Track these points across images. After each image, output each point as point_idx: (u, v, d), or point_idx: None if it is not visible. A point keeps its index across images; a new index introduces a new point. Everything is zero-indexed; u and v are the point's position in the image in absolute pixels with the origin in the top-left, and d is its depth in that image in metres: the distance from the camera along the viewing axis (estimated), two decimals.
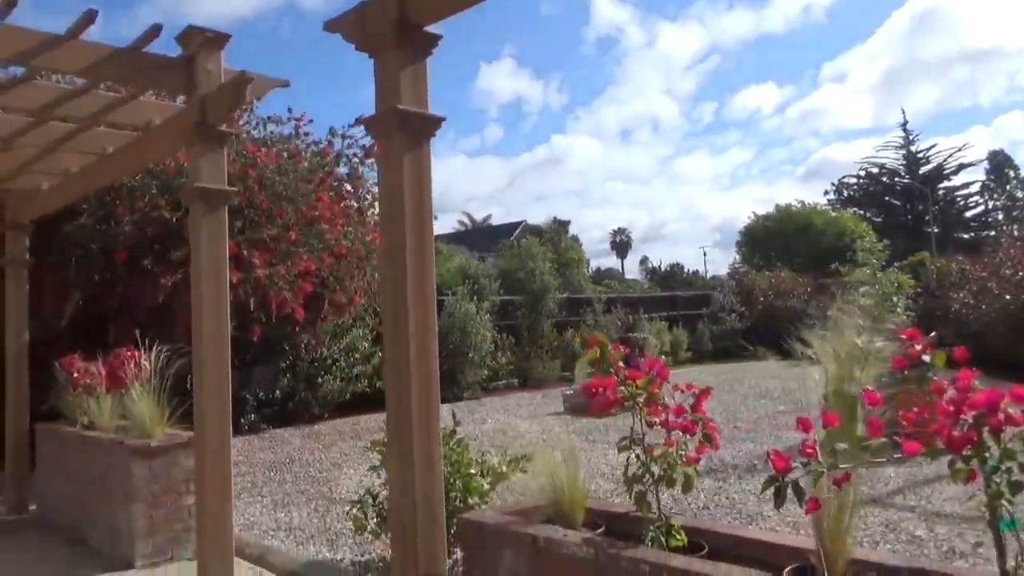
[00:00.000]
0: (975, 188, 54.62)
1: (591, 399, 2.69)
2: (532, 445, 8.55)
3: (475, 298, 13.72)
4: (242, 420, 10.13)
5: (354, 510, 4.64)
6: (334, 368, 11.26)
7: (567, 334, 16.02)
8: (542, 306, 15.32)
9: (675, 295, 22.45)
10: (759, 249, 43.21)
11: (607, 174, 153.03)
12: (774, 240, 42.09)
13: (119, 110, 4.28)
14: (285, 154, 8.26)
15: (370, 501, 4.62)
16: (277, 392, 10.86)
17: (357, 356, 11.55)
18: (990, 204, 55.52)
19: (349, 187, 9.10)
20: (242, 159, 7.24)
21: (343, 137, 9.15)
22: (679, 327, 18.94)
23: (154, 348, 5.37)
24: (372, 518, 4.63)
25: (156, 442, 4.80)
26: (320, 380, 11.07)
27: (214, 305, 3.72)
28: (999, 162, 56.32)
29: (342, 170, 9.31)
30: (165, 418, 5.11)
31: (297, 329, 9.57)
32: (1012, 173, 56.13)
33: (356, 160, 9.36)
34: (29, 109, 4.09)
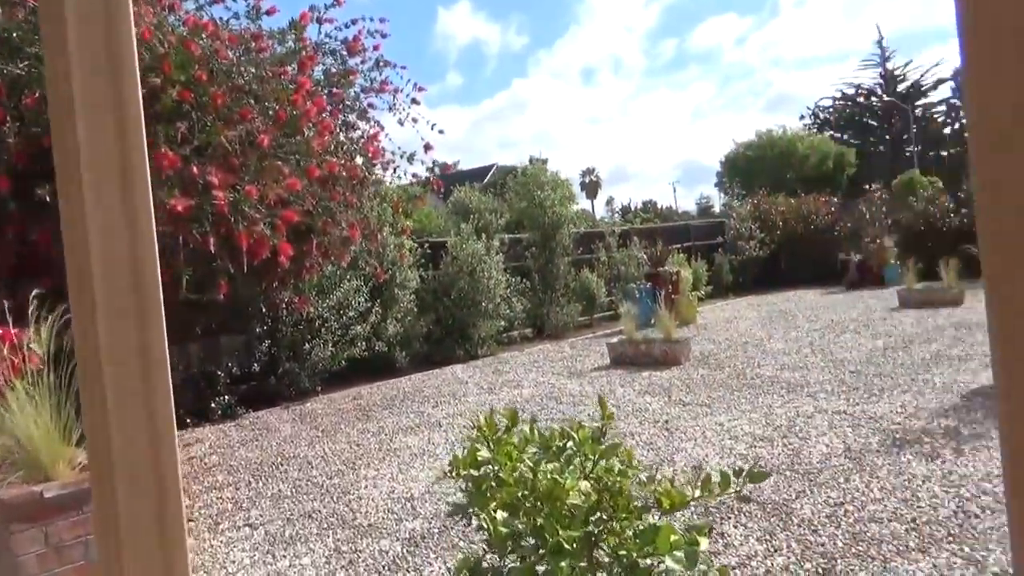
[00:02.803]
0: (944, 107, 53.18)
1: None
2: (621, 418, 6.50)
3: (482, 236, 11.52)
4: (212, 404, 7.97)
5: None
6: (323, 331, 9.08)
7: (583, 274, 13.93)
8: (555, 243, 13.18)
9: (688, 224, 20.46)
10: (741, 178, 41.56)
11: (570, 117, 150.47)
12: (756, 168, 40.53)
13: None
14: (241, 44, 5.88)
15: None
16: (255, 365, 8.68)
17: (351, 314, 9.35)
18: (957, 124, 53.91)
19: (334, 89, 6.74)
20: (177, 30, 4.91)
21: (319, 22, 6.77)
22: (696, 259, 16.95)
23: (50, 319, 3.16)
24: None
25: (54, 489, 2.63)
26: (307, 346, 8.89)
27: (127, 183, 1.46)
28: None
29: (319, 71, 6.95)
30: (72, 438, 2.94)
31: (277, 284, 7.35)
32: None
33: (338, 57, 6.99)
34: None
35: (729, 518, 3.68)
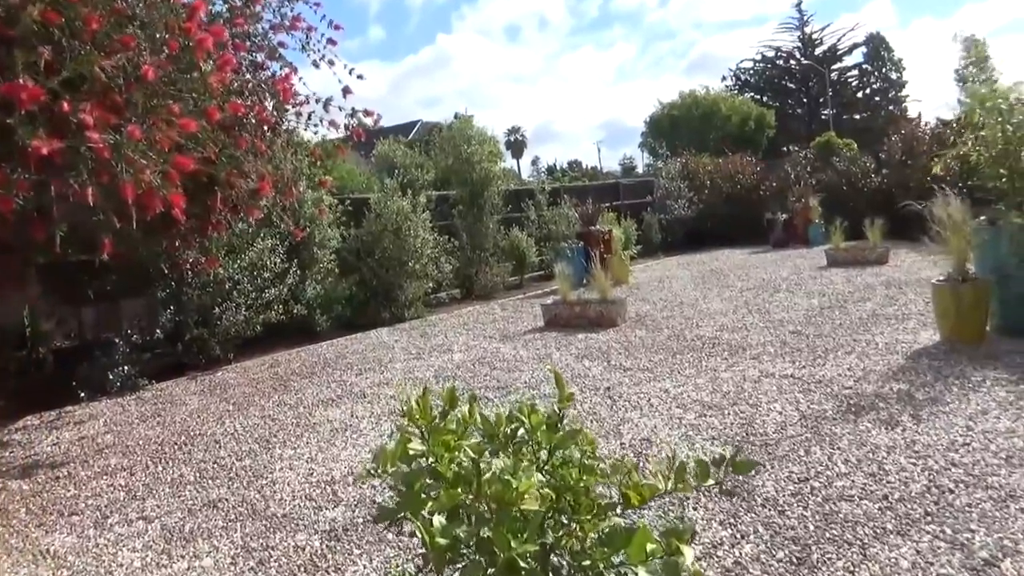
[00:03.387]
0: (856, 72, 54.73)
1: None
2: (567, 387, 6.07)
3: (407, 193, 10.88)
4: (110, 375, 7.22)
5: None
6: (235, 293, 8.36)
7: (513, 233, 13.48)
8: (484, 200, 12.64)
9: (618, 183, 20.22)
10: (666, 137, 41.74)
11: (495, 74, 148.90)
12: (680, 128, 40.72)
13: None
14: None
15: None
16: (158, 332, 7.93)
17: (267, 276, 8.65)
18: (868, 89, 55.40)
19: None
20: None
21: None
22: (626, 218, 16.71)
23: None
24: None
25: None
26: (217, 311, 8.17)
27: None
28: (875, 45, 55.93)
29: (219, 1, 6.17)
30: None
31: (180, 242, 6.64)
32: (887, 56, 55.96)
33: None
34: None
35: (687, 498, 3.34)
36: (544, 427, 2.21)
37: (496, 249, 12.97)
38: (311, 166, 6.89)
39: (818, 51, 55.93)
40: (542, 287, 12.81)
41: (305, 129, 6.41)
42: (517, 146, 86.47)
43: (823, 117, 50.89)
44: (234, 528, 3.65)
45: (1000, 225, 5.68)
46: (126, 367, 7.37)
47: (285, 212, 7.22)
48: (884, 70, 56.09)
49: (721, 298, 9.38)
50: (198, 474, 4.54)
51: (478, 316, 10.07)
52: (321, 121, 6.72)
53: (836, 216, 13.99)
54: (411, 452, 2.13)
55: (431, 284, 11.05)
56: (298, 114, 6.59)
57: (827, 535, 2.87)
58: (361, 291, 10.27)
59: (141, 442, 5.38)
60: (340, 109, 6.81)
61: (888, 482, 3.29)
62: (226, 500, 4.04)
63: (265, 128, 6.01)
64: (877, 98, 55.37)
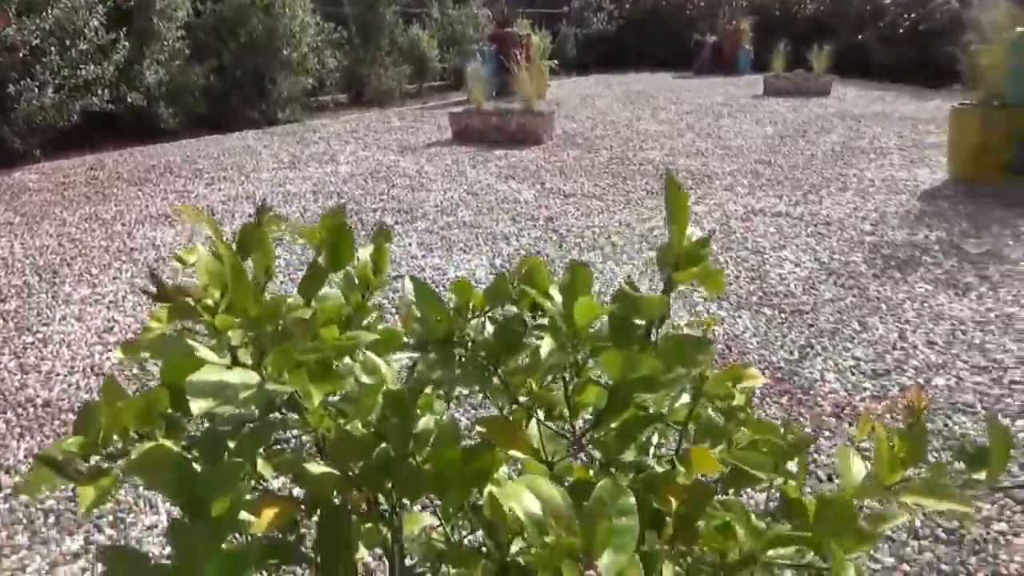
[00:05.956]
0: None
1: None
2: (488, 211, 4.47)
3: None
4: None
5: None
6: (39, 68, 6.20)
7: (412, 30, 11.34)
8: None
9: None
10: None
11: None
12: None
13: None
14: None
15: None
16: None
17: (83, 48, 6.46)
18: None
19: None
20: None
21: None
22: (540, 29, 14.70)
23: None
24: None
25: None
26: (13, 89, 6.04)
27: None
28: None
29: None
30: None
31: None
32: None
33: None
34: None
35: None
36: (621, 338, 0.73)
37: (393, 48, 10.89)
38: None
39: None
40: (445, 98, 11.01)
41: None
42: None
43: None
44: None
45: None
46: None
47: None
48: None
49: (657, 120, 8.02)
50: None
51: (370, 124, 8.29)
52: None
53: (769, 42, 12.66)
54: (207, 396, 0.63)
55: (312, 82, 9.02)
56: None
57: None
58: (220, 81, 8.18)
59: None
60: None
61: (1015, 384, 2.16)
62: None
63: None
64: None
